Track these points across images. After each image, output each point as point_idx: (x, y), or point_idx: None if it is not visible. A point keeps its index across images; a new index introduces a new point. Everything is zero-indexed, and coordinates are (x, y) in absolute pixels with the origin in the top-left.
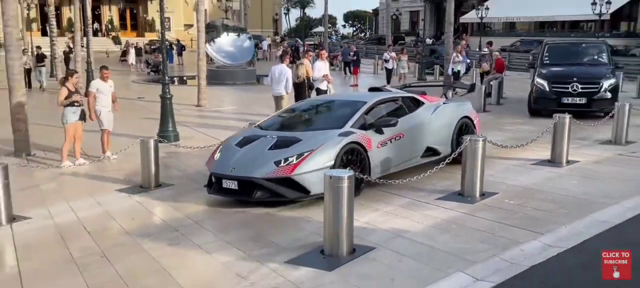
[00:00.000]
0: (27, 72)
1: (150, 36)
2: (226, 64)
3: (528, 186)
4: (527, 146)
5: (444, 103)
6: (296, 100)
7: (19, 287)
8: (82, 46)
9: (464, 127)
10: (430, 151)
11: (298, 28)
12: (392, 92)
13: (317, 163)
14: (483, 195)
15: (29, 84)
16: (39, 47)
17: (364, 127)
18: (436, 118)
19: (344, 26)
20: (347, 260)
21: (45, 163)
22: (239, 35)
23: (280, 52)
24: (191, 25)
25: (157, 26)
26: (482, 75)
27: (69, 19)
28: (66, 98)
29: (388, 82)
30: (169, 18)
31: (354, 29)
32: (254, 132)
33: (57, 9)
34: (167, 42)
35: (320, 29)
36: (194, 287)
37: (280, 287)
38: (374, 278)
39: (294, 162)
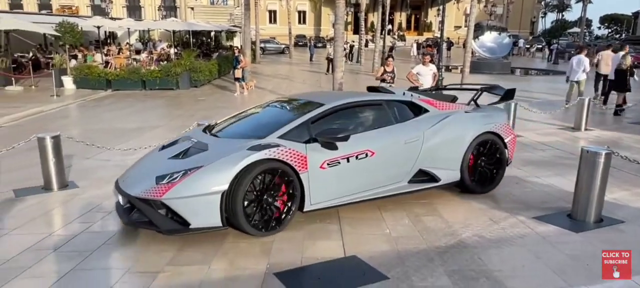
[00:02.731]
0: (330, 60)
1: (427, 35)
2: (486, 56)
3: None
4: None
5: (465, 112)
6: (617, 87)
7: None
8: (380, 40)
9: (488, 147)
10: (426, 175)
11: (552, 30)
12: (395, 95)
13: (201, 187)
14: None
15: (332, 68)
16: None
17: (311, 139)
18: (437, 132)
19: (599, 28)
20: (593, 226)
21: None
22: (499, 34)
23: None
24: (459, 27)
25: (433, 27)
26: None
27: (372, 23)
28: (381, 74)
29: None
30: (443, 21)
31: (610, 30)
32: (189, 134)
33: (365, 15)
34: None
35: (575, 29)
36: (452, 219)
37: (528, 235)
38: (620, 246)
39: (176, 180)
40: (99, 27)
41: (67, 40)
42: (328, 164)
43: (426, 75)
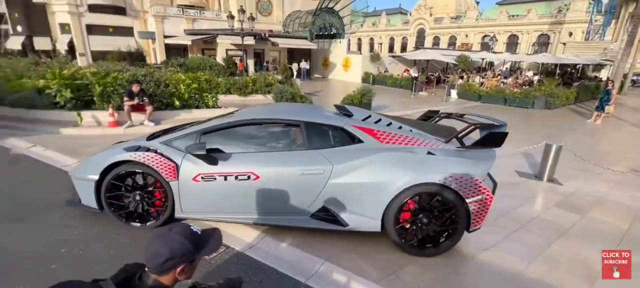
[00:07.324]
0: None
1: None
2: None
3: None
4: None
5: (428, 152)
6: None
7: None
8: None
9: (435, 202)
10: (331, 215)
11: None
12: (327, 118)
13: (83, 172)
14: None
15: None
16: None
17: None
18: (354, 169)
19: None
20: None
21: None
22: None
23: None
24: None
25: None
26: None
27: None
28: None
29: None
30: None
31: None
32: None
33: None
34: None
35: None
36: None
37: None
38: None
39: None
40: (483, 59)
41: (460, 67)
42: (202, 178)
43: None
